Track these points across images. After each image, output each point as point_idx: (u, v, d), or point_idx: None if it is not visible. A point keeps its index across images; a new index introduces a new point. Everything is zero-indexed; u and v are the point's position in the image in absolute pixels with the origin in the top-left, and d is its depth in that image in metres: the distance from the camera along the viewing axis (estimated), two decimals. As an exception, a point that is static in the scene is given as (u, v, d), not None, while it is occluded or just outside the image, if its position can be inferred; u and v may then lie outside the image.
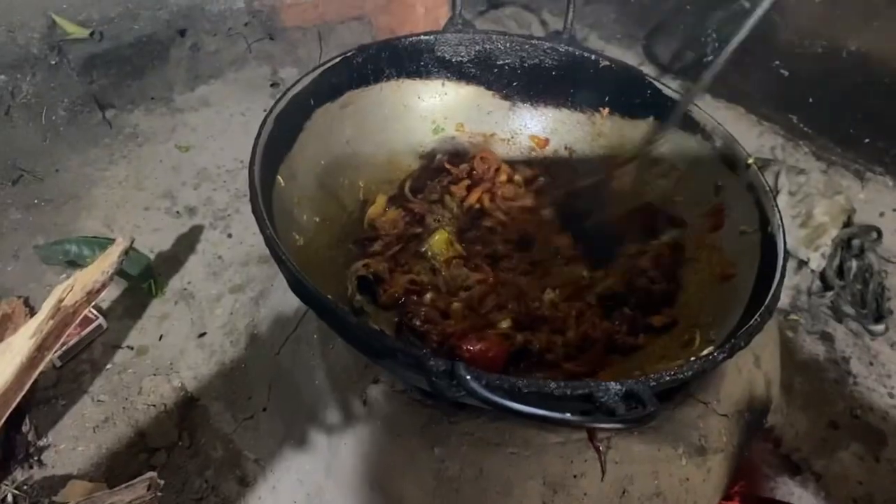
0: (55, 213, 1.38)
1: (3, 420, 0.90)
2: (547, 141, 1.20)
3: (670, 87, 1.06)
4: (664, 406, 0.88)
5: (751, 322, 0.73)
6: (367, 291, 0.96)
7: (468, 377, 0.58)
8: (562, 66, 1.15)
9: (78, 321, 1.02)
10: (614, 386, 0.60)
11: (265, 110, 0.91)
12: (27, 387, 0.93)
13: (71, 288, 1.01)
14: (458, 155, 1.17)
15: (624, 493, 0.83)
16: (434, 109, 1.17)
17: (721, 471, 0.89)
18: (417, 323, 0.92)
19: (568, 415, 0.55)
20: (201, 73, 1.72)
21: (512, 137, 1.20)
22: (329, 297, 0.70)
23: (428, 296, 0.96)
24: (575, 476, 0.83)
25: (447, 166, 1.14)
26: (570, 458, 0.83)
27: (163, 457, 1.05)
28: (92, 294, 1.03)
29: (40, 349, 0.95)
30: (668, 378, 0.65)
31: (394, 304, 0.95)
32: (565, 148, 1.19)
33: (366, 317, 0.93)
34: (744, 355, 0.96)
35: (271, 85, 1.77)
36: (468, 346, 0.86)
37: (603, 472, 0.83)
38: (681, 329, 0.90)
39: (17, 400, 0.92)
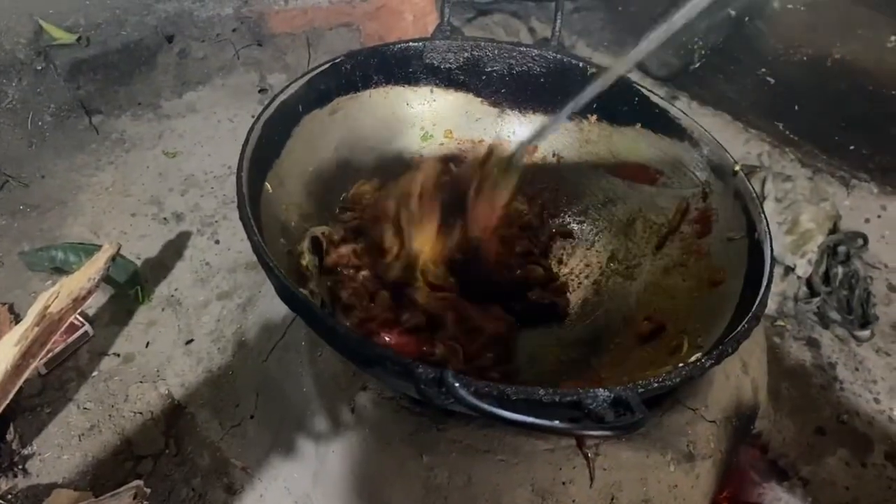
0: (41, 220, 1.37)
1: (-14, 429, 0.89)
2: (535, 148, 1.20)
3: (657, 94, 1.07)
4: (652, 413, 0.88)
5: (738, 328, 0.73)
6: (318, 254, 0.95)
7: (457, 384, 0.58)
8: (550, 73, 1.15)
9: (63, 328, 1.02)
10: (603, 393, 0.60)
11: (253, 116, 0.91)
12: (12, 395, 0.92)
13: (57, 295, 1.01)
14: (447, 162, 1.16)
15: (612, 499, 0.83)
16: (423, 116, 1.17)
17: (709, 477, 0.89)
18: (345, 295, 0.91)
19: (557, 422, 0.55)
20: (189, 79, 1.71)
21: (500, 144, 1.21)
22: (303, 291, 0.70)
23: (362, 273, 0.94)
24: (563, 483, 0.83)
25: (451, 165, 1.12)
26: (558, 466, 0.83)
27: (149, 465, 1.04)
28: (78, 301, 1.03)
29: (25, 356, 0.94)
30: (656, 385, 0.65)
31: (333, 271, 0.94)
32: (553, 155, 1.19)
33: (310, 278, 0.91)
34: (731, 361, 0.97)
35: (259, 91, 1.76)
36: (387, 337, 0.86)
37: (591, 479, 0.83)
38: (669, 335, 0.90)
39: (2, 408, 0.91)
